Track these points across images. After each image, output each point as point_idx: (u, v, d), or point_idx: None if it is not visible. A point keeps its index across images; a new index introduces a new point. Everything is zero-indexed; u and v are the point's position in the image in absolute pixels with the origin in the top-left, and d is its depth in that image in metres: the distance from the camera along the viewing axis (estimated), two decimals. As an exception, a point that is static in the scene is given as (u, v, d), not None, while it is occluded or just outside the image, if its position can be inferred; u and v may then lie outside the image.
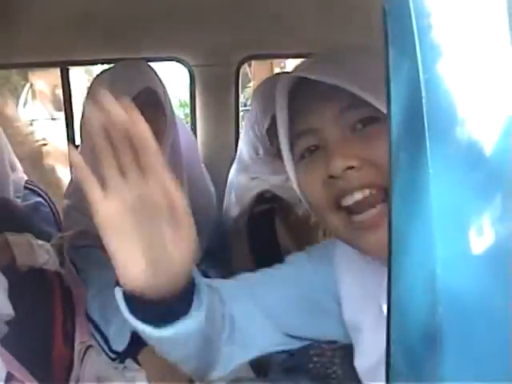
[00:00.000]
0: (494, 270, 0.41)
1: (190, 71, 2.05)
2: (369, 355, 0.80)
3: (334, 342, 0.88)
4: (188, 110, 2.28)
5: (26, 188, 1.79)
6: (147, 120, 1.51)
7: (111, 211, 0.62)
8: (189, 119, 2.20)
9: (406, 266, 0.44)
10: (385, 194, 0.71)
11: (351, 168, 0.72)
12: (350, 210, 0.73)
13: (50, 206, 1.81)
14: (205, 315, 0.70)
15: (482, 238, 0.41)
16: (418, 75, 0.42)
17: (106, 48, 1.88)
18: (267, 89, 1.79)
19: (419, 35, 0.42)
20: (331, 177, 0.73)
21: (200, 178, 1.85)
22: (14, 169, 1.77)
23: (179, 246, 0.64)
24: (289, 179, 1.63)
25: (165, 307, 0.66)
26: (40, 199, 1.79)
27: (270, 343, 0.88)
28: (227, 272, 1.39)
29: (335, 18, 1.76)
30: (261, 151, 1.87)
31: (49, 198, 1.83)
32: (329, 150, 0.74)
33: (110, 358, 1.31)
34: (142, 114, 1.63)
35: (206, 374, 0.86)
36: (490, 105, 0.42)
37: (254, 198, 1.76)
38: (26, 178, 1.83)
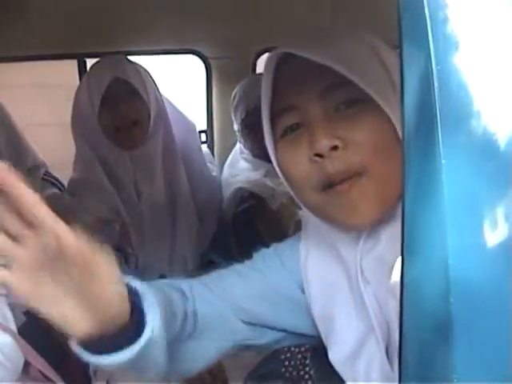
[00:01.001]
0: (506, 260, 0.41)
1: (206, 64, 2.05)
2: (343, 343, 0.80)
3: (303, 345, 0.88)
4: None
5: (43, 179, 1.80)
6: (122, 109, 1.53)
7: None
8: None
9: (419, 255, 0.44)
10: (362, 173, 0.72)
11: (335, 148, 0.72)
12: (331, 184, 0.74)
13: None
14: (158, 325, 0.67)
15: (494, 229, 0.41)
16: (431, 66, 0.42)
17: (122, 40, 1.89)
18: (248, 86, 1.80)
19: (432, 27, 0.42)
20: (317, 155, 0.73)
21: (200, 163, 1.86)
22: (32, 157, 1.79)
23: (101, 288, 0.61)
24: (265, 175, 1.64)
25: (117, 337, 0.64)
26: (56, 190, 1.80)
27: (241, 337, 0.87)
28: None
29: (349, 11, 1.75)
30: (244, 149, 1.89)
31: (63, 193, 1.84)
32: (312, 128, 0.74)
33: None
34: (116, 103, 1.67)
35: (179, 372, 0.86)
36: (503, 96, 0.42)
37: (232, 195, 1.78)
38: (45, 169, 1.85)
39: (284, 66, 0.78)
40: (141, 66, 1.68)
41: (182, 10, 1.76)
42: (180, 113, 1.83)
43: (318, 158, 0.73)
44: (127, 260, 1.62)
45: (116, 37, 1.87)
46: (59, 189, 1.82)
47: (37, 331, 1.00)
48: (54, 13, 1.72)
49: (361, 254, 0.77)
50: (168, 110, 1.74)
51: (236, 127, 1.85)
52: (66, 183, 1.81)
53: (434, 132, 0.42)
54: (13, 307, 0.97)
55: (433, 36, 0.42)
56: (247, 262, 0.91)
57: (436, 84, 0.42)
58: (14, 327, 0.94)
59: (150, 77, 1.70)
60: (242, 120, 1.79)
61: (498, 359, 0.42)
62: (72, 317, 0.61)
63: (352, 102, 0.74)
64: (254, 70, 2.05)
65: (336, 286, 0.82)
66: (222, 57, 2.01)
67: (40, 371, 0.98)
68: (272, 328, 0.89)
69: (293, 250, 0.89)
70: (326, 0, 1.76)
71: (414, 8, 0.44)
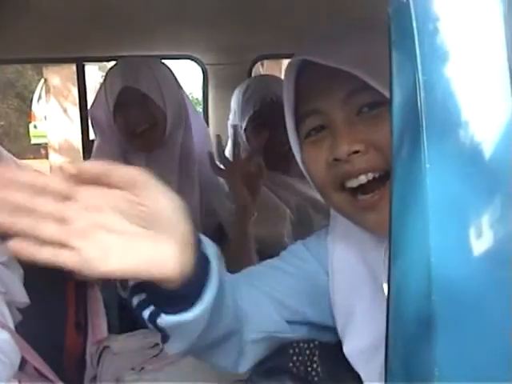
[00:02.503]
0: (487, 260, 0.44)
1: (203, 69, 2.07)
2: (361, 338, 0.82)
3: (313, 340, 0.89)
4: (200, 108, 2.30)
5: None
6: (135, 116, 1.52)
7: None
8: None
9: (404, 254, 0.46)
10: (387, 177, 0.73)
11: (356, 152, 0.74)
12: (354, 191, 0.76)
13: None
14: (217, 291, 0.67)
15: (476, 230, 0.43)
16: (418, 76, 0.45)
17: (121, 45, 1.91)
18: (248, 90, 1.80)
19: (419, 38, 0.45)
20: (336, 159, 0.75)
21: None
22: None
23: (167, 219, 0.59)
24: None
25: (184, 292, 0.63)
26: None
27: (274, 329, 0.87)
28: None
29: (347, 19, 1.77)
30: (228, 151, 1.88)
31: None
32: (334, 132, 0.76)
33: None
34: (128, 111, 1.66)
35: (231, 367, 0.85)
36: (486, 105, 0.45)
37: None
38: None
39: (305, 70, 0.79)
40: (159, 69, 1.66)
41: (181, 16, 1.78)
42: (196, 112, 1.81)
43: (336, 162, 0.75)
44: None
45: (114, 42, 1.89)
46: None
47: (33, 329, 1.01)
48: (53, 17, 1.73)
49: (385, 254, 0.78)
50: (189, 112, 1.72)
51: (241, 125, 1.83)
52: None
53: (419, 138, 0.44)
54: (10, 305, 0.99)
55: (420, 47, 0.45)
56: (279, 258, 0.92)
57: (422, 93, 0.45)
58: (11, 324, 0.95)
59: (172, 78, 1.68)
60: (249, 120, 1.77)
61: (479, 355, 0.44)
62: (154, 259, 0.58)
63: (375, 104, 0.75)
64: (250, 76, 2.07)
65: (360, 281, 0.83)
66: (218, 63, 2.04)
67: (36, 368, 1.00)
68: (306, 322, 0.89)
69: (320, 241, 0.91)
70: (323, 7, 1.78)
71: (401, 19, 0.46)
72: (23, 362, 0.99)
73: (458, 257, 0.44)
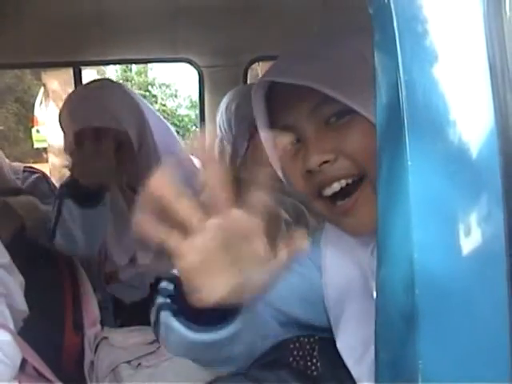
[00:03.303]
0: (469, 255, 0.45)
1: (199, 72, 2.08)
2: (351, 334, 0.83)
3: (313, 336, 0.91)
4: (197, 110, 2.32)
5: (24, 171, 1.81)
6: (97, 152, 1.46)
7: (198, 254, 0.59)
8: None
9: (389, 249, 0.48)
10: (361, 182, 0.76)
11: (326, 162, 0.76)
12: (332, 198, 0.78)
13: (49, 182, 1.81)
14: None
15: (457, 226, 0.45)
16: (400, 76, 0.46)
17: (117, 49, 1.93)
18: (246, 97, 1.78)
19: (400, 39, 0.46)
20: (309, 171, 0.77)
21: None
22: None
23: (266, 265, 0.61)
24: None
25: (219, 314, 0.66)
26: (39, 175, 1.80)
27: (270, 334, 0.88)
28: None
29: (338, 22, 1.78)
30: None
31: (47, 176, 1.83)
32: (306, 144, 0.78)
33: None
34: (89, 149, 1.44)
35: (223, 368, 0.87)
36: (467, 104, 0.46)
37: None
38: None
39: (273, 89, 0.82)
40: (119, 91, 1.59)
41: (176, 20, 1.79)
42: (157, 117, 1.73)
43: (310, 174, 0.77)
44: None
45: (110, 46, 1.90)
46: (40, 174, 1.82)
47: (34, 330, 1.02)
48: (49, 21, 1.75)
49: (371, 254, 0.81)
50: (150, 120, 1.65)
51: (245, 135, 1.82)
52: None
53: (401, 136, 0.46)
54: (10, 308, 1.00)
55: (401, 48, 0.46)
56: None
57: (404, 93, 0.46)
58: (12, 326, 0.96)
59: (129, 95, 1.61)
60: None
61: (461, 347, 0.45)
62: (218, 288, 0.61)
63: (342, 113, 0.76)
64: (246, 78, 2.08)
65: (351, 279, 0.85)
66: (214, 65, 2.05)
67: (36, 370, 1.00)
68: (301, 324, 0.90)
69: (314, 242, 0.91)
70: (317, 10, 1.80)
71: (383, 20, 0.47)
72: (23, 363, 0.99)
73: (441, 253, 0.45)
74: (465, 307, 0.45)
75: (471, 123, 0.46)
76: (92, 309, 1.39)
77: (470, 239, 0.45)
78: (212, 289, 0.60)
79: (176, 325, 0.69)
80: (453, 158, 0.45)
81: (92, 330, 1.36)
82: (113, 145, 1.50)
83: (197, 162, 1.94)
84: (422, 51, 0.46)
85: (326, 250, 0.89)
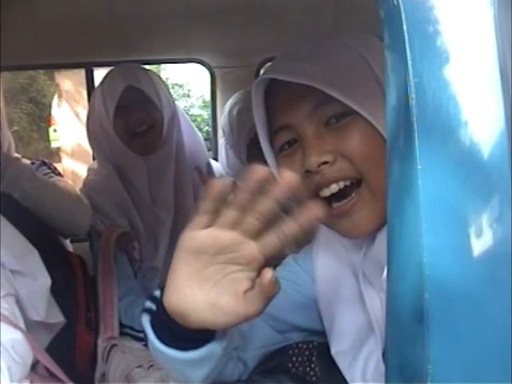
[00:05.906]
0: (479, 259, 0.44)
1: (211, 73, 2.09)
2: (343, 338, 0.84)
3: (311, 341, 0.91)
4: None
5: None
6: (136, 116, 1.57)
7: (203, 241, 0.63)
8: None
9: (399, 253, 0.47)
10: (358, 184, 0.76)
11: (325, 163, 0.76)
12: (328, 200, 0.78)
13: (51, 168, 1.80)
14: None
15: (468, 230, 0.44)
16: (409, 79, 0.46)
17: (129, 50, 1.93)
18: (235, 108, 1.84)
19: (410, 41, 0.46)
20: (308, 171, 0.77)
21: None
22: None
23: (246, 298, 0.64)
24: None
25: (193, 333, 0.67)
26: (40, 162, 1.80)
27: (270, 343, 0.91)
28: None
29: (350, 22, 1.78)
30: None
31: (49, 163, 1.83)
32: (304, 144, 0.78)
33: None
34: (130, 111, 1.70)
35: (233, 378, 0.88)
36: (477, 106, 0.46)
37: None
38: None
39: (273, 87, 0.81)
40: (154, 73, 1.74)
41: (188, 21, 1.80)
42: (188, 121, 1.87)
43: (308, 174, 0.77)
44: (132, 263, 1.66)
45: (123, 47, 1.91)
46: (42, 162, 1.82)
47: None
48: (62, 23, 1.76)
49: (363, 257, 0.81)
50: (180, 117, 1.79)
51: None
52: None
53: (411, 139, 0.45)
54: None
55: (410, 50, 0.46)
56: None
57: (414, 95, 0.46)
58: (22, 325, 0.97)
59: (163, 83, 1.75)
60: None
61: (471, 351, 0.45)
62: (193, 296, 0.64)
63: (342, 115, 0.76)
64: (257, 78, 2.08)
65: (342, 282, 0.85)
66: (226, 66, 2.05)
67: (47, 369, 1.01)
68: (299, 330, 0.92)
69: (307, 252, 0.93)
70: (328, 10, 1.80)
71: (393, 22, 0.47)
72: (35, 363, 1.00)
73: (451, 257, 0.44)
74: (475, 311, 0.44)
75: (481, 125, 0.45)
76: (111, 309, 1.40)
77: (481, 242, 0.44)
78: (189, 293, 0.64)
79: (165, 350, 0.70)
80: (463, 161, 0.45)
81: (109, 339, 1.36)
82: (150, 119, 1.67)
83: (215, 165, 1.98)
84: (432, 53, 0.46)
85: (317, 257, 0.90)
